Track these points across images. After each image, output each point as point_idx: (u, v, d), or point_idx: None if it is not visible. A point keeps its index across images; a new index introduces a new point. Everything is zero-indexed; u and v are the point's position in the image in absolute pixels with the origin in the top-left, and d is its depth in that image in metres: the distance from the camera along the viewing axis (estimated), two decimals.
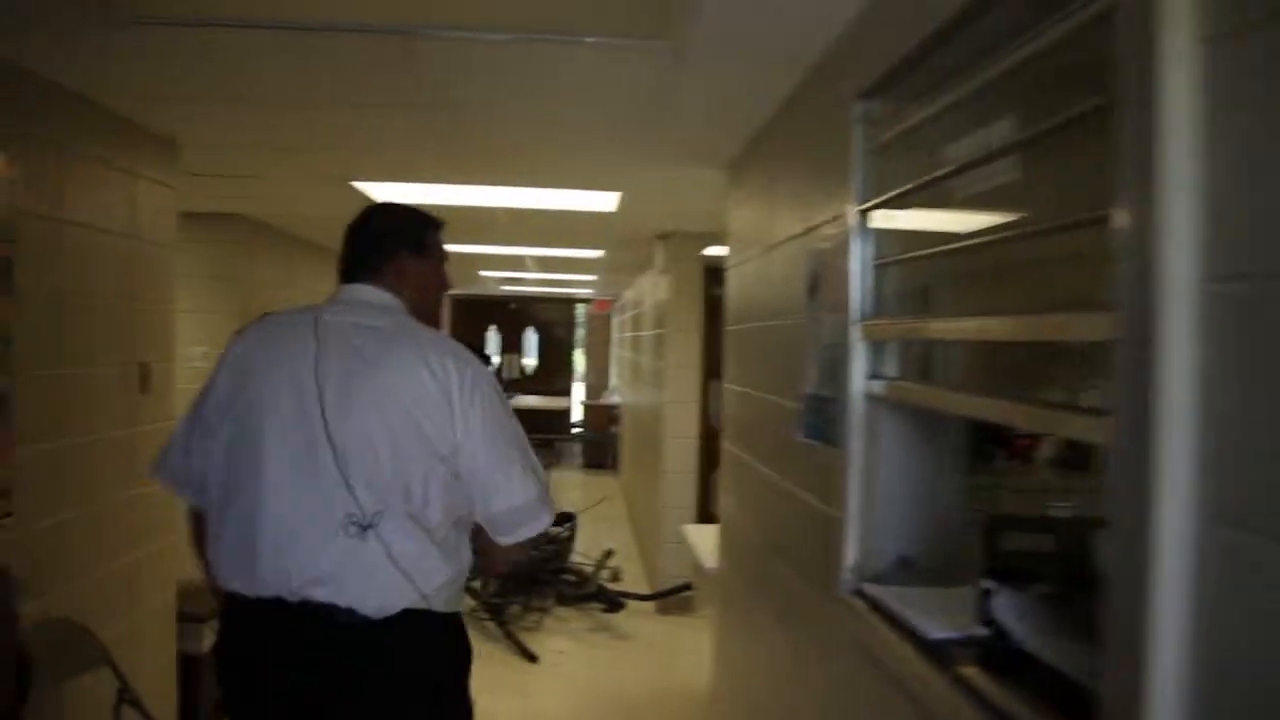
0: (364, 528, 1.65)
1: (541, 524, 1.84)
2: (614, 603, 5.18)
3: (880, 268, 1.78)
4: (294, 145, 3.57)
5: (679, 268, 5.47)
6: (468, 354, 1.83)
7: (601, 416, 11.70)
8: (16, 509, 2.47)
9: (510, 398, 9.95)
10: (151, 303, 3.31)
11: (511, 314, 14.52)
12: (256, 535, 1.67)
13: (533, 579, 5.55)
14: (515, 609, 5.27)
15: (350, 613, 1.65)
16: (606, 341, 15.01)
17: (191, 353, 5.30)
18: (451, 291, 2.29)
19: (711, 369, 5.59)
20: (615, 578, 6.10)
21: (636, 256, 7.04)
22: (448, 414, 1.71)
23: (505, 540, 1.81)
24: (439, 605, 1.74)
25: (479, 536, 1.84)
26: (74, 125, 2.80)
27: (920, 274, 1.71)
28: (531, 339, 14.68)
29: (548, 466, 9.37)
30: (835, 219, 1.99)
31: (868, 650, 1.70)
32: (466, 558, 1.82)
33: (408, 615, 1.69)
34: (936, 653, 1.38)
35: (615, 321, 13.46)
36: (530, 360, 14.71)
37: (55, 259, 2.70)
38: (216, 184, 4.44)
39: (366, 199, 4.60)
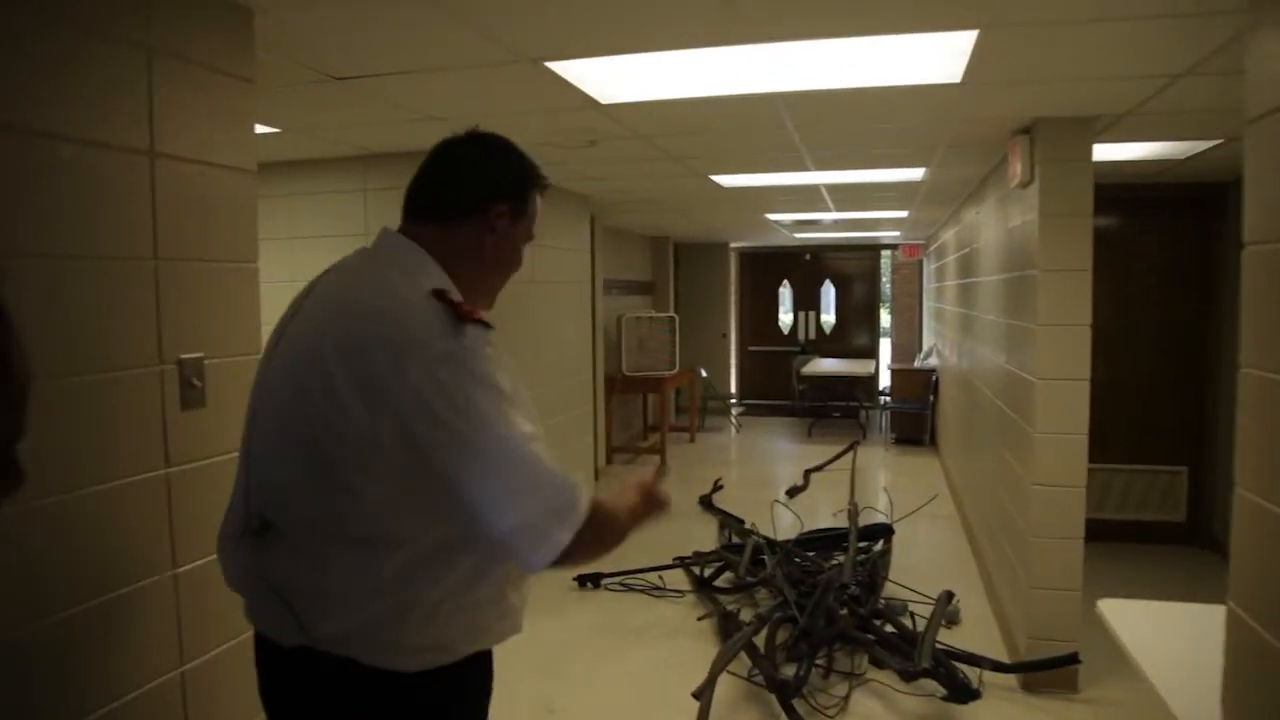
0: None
1: None
2: (961, 689, 3.45)
3: None
4: None
5: (1055, 174, 3.56)
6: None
7: (915, 384, 9.75)
8: None
9: (806, 360, 8.47)
10: (208, 262, 2.06)
11: (806, 266, 12.81)
12: None
13: (837, 635, 3.95)
14: (812, 673, 3.72)
15: None
16: (915, 294, 12.91)
17: None
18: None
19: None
20: (951, 621, 4.36)
21: (972, 171, 5.13)
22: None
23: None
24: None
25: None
26: None
27: None
28: (829, 294, 12.90)
29: (851, 445, 7.71)
30: None
31: None
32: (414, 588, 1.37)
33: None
34: None
35: (929, 270, 11.37)
36: (828, 317, 12.95)
37: None
38: (379, 103, 3.20)
39: (577, 94, 3.17)
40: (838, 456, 8.47)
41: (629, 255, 10.11)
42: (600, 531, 1.40)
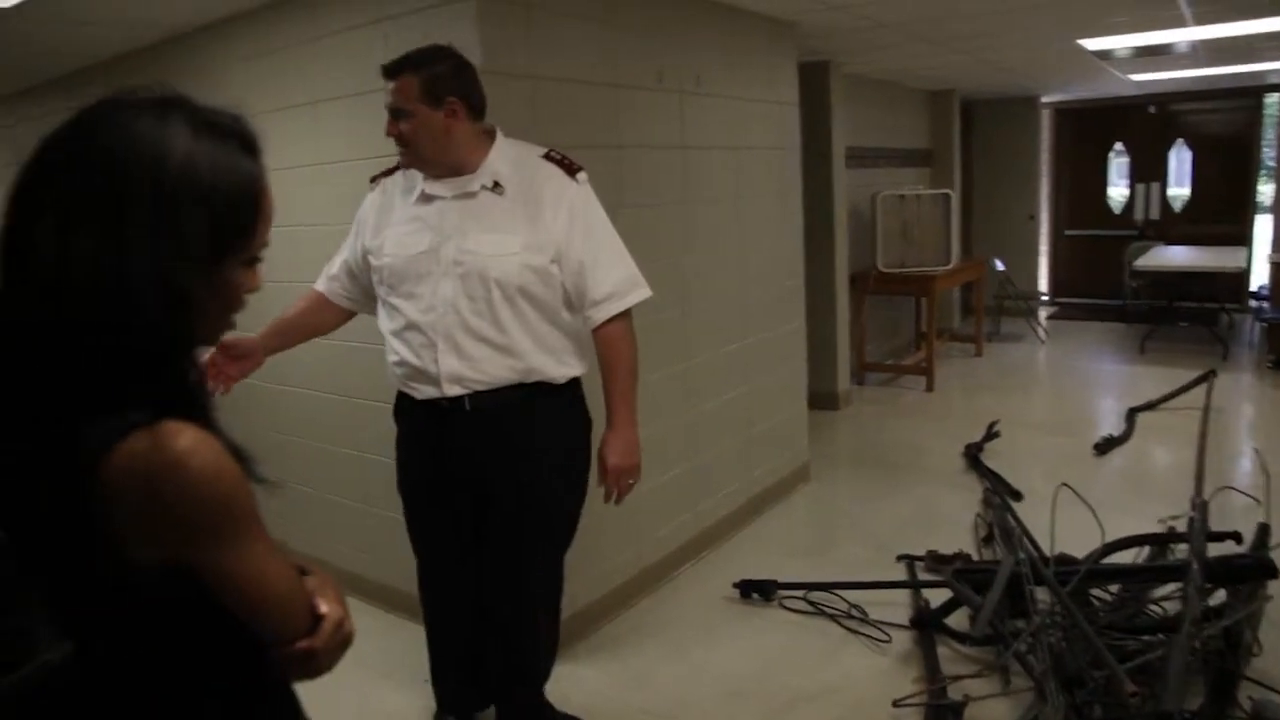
0: None
1: None
2: None
3: None
4: None
5: None
6: None
7: None
8: None
9: (1144, 249, 5.74)
10: None
11: (1150, 123, 9.75)
12: None
13: None
14: None
15: None
16: None
17: None
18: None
19: None
20: None
21: None
22: None
23: None
24: None
25: None
26: None
27: None
28: (1181, 159, 9.76)
29: (1205, 376, 4.94)
30: None
31: None
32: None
33: None
34: None
35: None
36: (1180, 191, 9.84)
37: None
38: None
39: None
40: (1182, 390, 6.03)
41: (893, 115, 7.84)
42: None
